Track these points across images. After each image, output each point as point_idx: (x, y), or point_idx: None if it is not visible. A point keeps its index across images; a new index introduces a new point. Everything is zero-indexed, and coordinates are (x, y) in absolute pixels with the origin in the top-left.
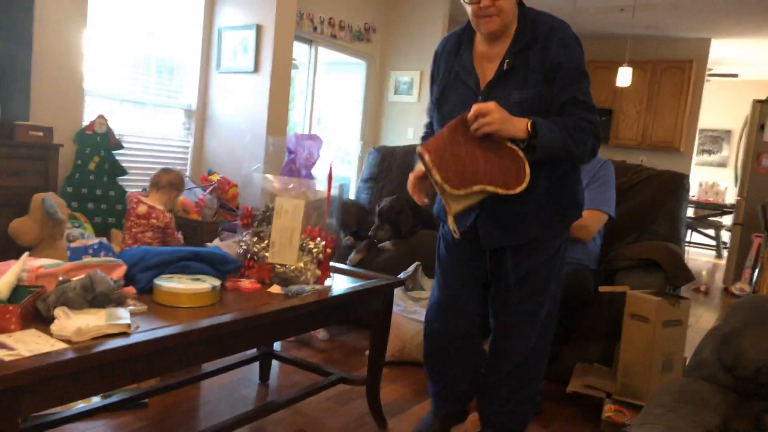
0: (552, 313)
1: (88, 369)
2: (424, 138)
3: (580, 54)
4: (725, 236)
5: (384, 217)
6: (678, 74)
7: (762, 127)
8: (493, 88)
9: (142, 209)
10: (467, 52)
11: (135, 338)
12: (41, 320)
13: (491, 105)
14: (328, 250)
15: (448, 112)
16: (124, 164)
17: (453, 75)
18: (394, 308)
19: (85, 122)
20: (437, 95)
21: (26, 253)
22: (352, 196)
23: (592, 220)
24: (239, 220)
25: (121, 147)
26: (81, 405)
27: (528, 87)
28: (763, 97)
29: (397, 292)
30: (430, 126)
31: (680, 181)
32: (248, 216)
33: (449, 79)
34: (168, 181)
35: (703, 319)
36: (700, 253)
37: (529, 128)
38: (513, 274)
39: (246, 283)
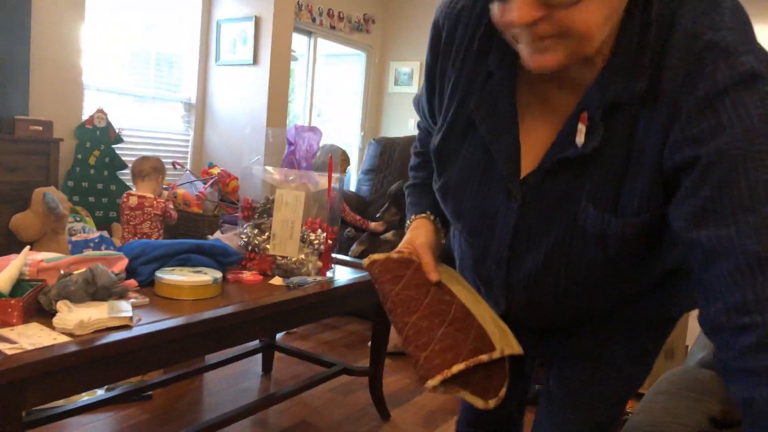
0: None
1: (91, 362)
2: (417, 178)
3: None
4: None
5: (393, 200)
6: None
7: None
8: (546, 185)
9: (133, 201)
10: (504, 65)
11: (137, 331)
12: (43, 314)
13: None
14: (329, 242)
15: (457, 192)
16: (124, 158)
17: (465, 111)
18: None
19: (85, 116)
20: (444, 133)
21: (27, 247)
22: (352, 188)
23: None
24: (240, 212)
25: (121, 141)
26: (86, 398)
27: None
28: None
29: None
30: (425, 148)
31: None
32: (249, 208)
33: (459, 114)
34: (151, 167)
35: None
36: None
37: None
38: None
39: (248, 275)
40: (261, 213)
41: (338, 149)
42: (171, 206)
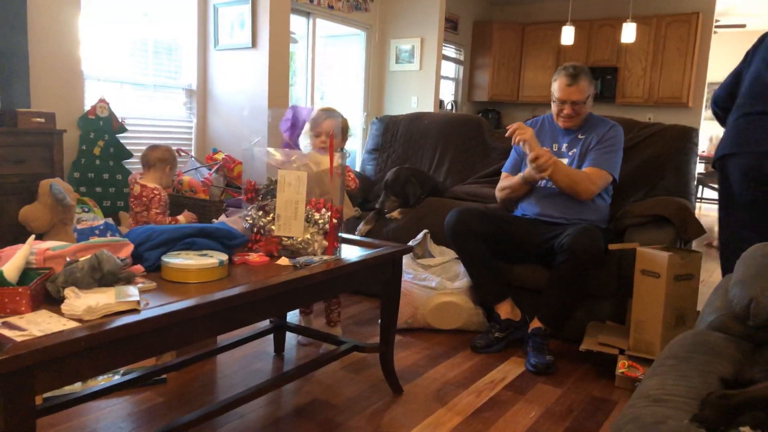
0: None
1: (100, 346)
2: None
3: None
4: None
5: (390, 189)
6: (684, 27)
7: None
8: None
9: (136, 189)
10: None
11: (145, 314)
12: (51, 301)
13: None
14: (334, 221)
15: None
16: (128, 147)
17: None
18: (405, 276)
19: (87, 107)
20: None
21: (32, 236)
22: (357, 167)
23: (597, 178)
24: (243, 194)
25: (124, 130)
26: (102, 383)
27: None
28: None
29: (407, 260)
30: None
31: (688, 134)
32: (252, 190)
33: None
34: (157, 158)
35: (716, 274)
36: (712, 208)
37: None
38: None
39: (254, 257)
40: (264, 194)
41: (338, 116)
42: (160, 202)
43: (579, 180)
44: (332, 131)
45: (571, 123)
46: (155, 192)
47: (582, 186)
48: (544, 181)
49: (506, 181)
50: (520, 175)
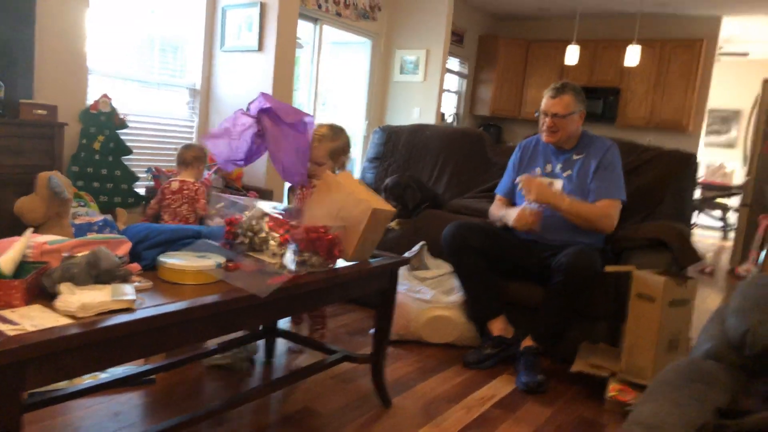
0: None
1: (93, 344)
2: None
3: None
4: (732, 218)
5: (390, 193)
6: (687, 53)
7: None
8: None
9: (175, 185)
10: None
11: (139, 314)
12: (46, 296)
13: None
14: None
15: None
16: (129, 144)
17: None
18: (399, 288)
19: (90, 101)
20: None
21: (30, 229)
22: (357, 175)
23: (612, 210)
24: (224, 235)
25: (125, 126)
26: (88, 381)
27: None
28: None
29: (402, 271)
30: None
31: (688, 160)
32: (232, 232)
33: None
34: (194, 156)
35: (708, 300)
36: (706, 234)
37: None
38: None
39: (246, 263)
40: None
41: (329, 141)
42: (203, 193)
43: (596, 218)
44: (326, 155)
45: (554, 138)
46: (197, 185)
47: (601, 224)
48: (536, 205)
49: (497, 209)
50: (505, 219)
